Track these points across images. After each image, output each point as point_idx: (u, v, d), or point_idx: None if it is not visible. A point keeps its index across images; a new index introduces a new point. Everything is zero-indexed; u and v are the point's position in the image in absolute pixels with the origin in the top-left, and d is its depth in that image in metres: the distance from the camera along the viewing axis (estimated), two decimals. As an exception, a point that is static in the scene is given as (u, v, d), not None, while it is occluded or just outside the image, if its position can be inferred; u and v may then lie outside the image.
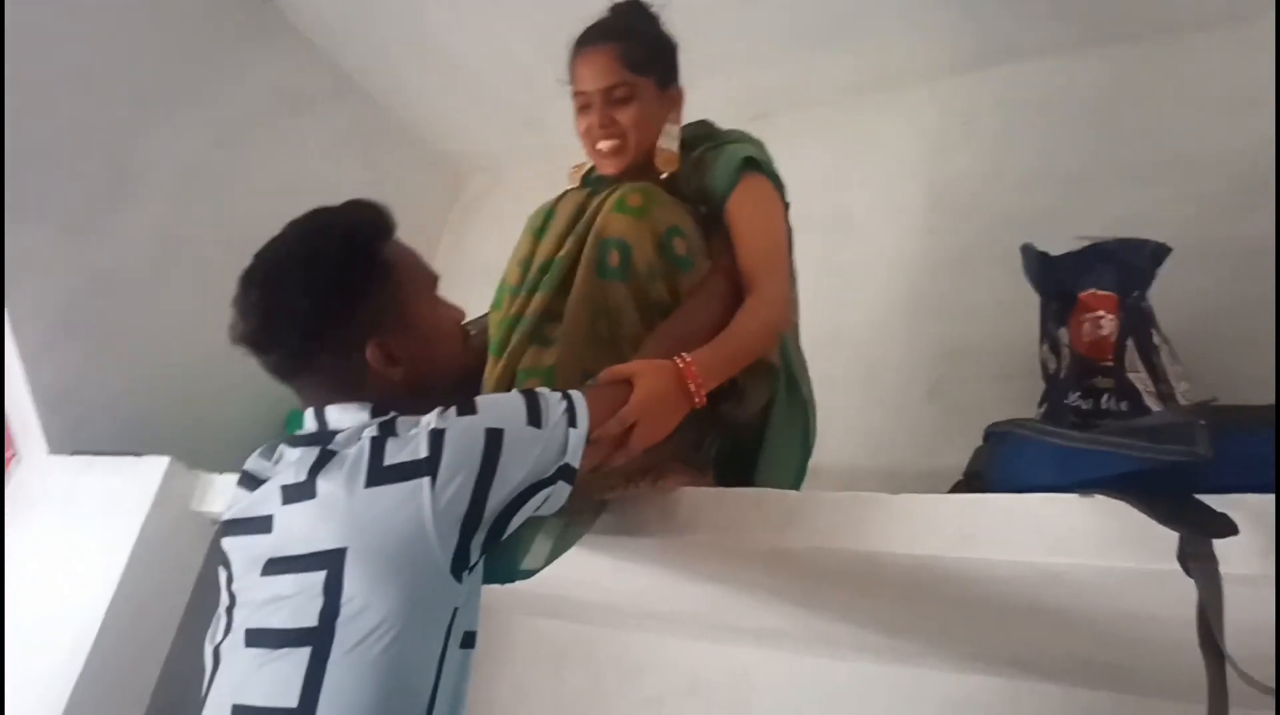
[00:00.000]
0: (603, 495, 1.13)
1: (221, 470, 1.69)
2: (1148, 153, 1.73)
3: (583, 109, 1.31)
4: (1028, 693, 1.48)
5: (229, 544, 0.95)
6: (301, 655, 0.81)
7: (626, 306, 1.17)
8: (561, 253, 1.21)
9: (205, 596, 1.62)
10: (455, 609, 0.87)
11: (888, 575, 1.07)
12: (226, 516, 0.97)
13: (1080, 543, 0.85)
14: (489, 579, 1.03)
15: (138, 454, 1.71)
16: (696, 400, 1.06)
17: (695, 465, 1.25)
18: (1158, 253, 1.37)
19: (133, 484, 1.65)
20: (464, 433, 0.87)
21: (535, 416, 0.91)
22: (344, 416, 0.95)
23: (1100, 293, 1.35)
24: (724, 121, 1.44)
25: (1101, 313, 1.34)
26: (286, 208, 1.03)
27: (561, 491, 0.93)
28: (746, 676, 1.74)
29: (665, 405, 1.04)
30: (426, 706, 0.83)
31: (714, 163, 1.32)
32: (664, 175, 1.32)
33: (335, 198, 1.04)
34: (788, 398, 1.29)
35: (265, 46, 2.26)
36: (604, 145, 1.31)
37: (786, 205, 1.37)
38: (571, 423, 0.93)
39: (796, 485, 1.31)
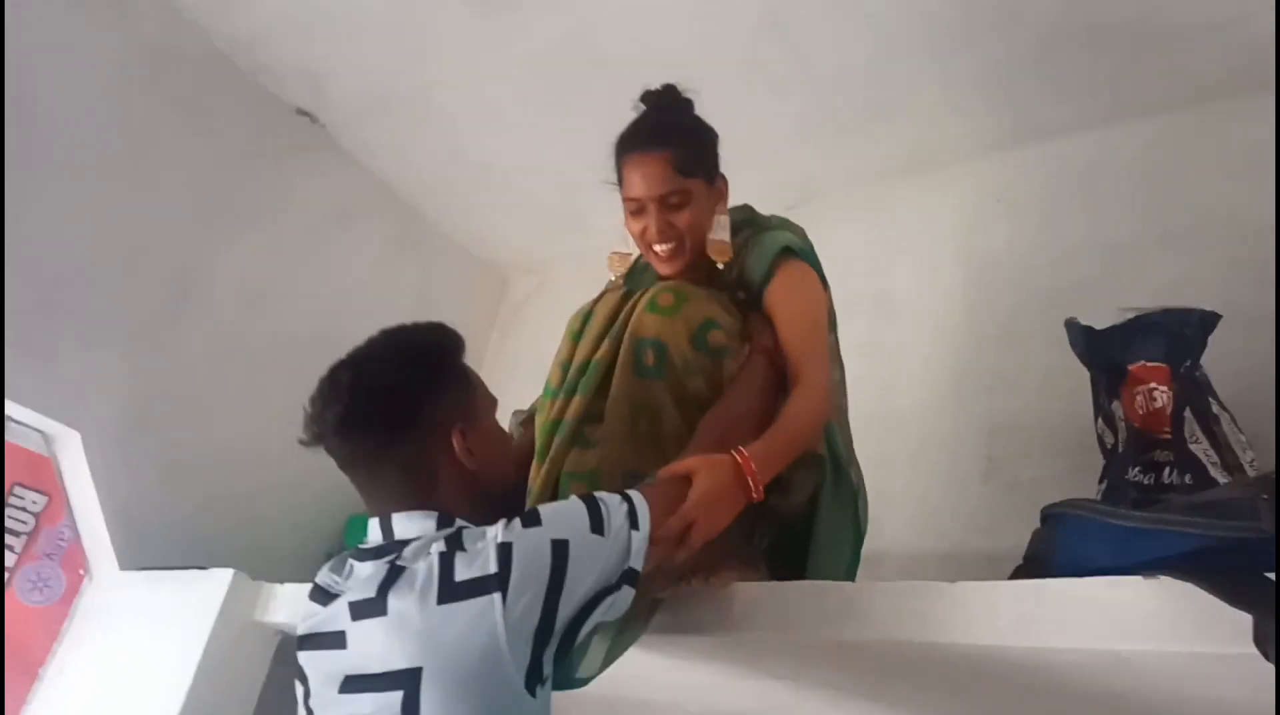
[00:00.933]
0: (656, 595, 1.12)
1: (283, 580, 1.72)
2: (1187, 221, 1.73)
3: (636, 213, 1.33)
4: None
5: (304, 658, 0.97)
6: None
7: (665, 403, 1.18)
8: (598, 355, 1.23)
9: (271, 705, 1.63)
10: None
11: (950, 666, 1.04)
12: (301, 631, 0.99)
13: (1146, 626, 0.83)
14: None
15: (203, 567, 1.75)
16: (755, 494, 1.06)
17: (747, 560, 1.24)
18: (1206, 320, 1.35)
19: (199, 596, 1.68)
20: (531, 546, 0.88)
21: (598, 524, 0.93)
22: (410, 526, 0.97)
23: (1150, 364, 1.34)
24: (763, 208, 1.47)
25: (1154, 384, 1.33)
26: (340, 318, 1.08)
27: (626, 595, 0.93)
28: (815, 775, 1.68)
29: (724, 500, 1.04)
30: None
31: (754, 249, 1.34)
32: (721, 266, 1.34)
33: (386, 306, 1.11)
34: (835, 484, 1.28)
35: (314, 165, 2.38)
36: (661, 249, 1.33)
37: (827, 288, 1.38)
38: (634, 525, 0.95)
39: (851, 574, 1.29)
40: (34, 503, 1.90)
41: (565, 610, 0.87)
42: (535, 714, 0.87)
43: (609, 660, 1.05)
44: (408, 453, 0.99)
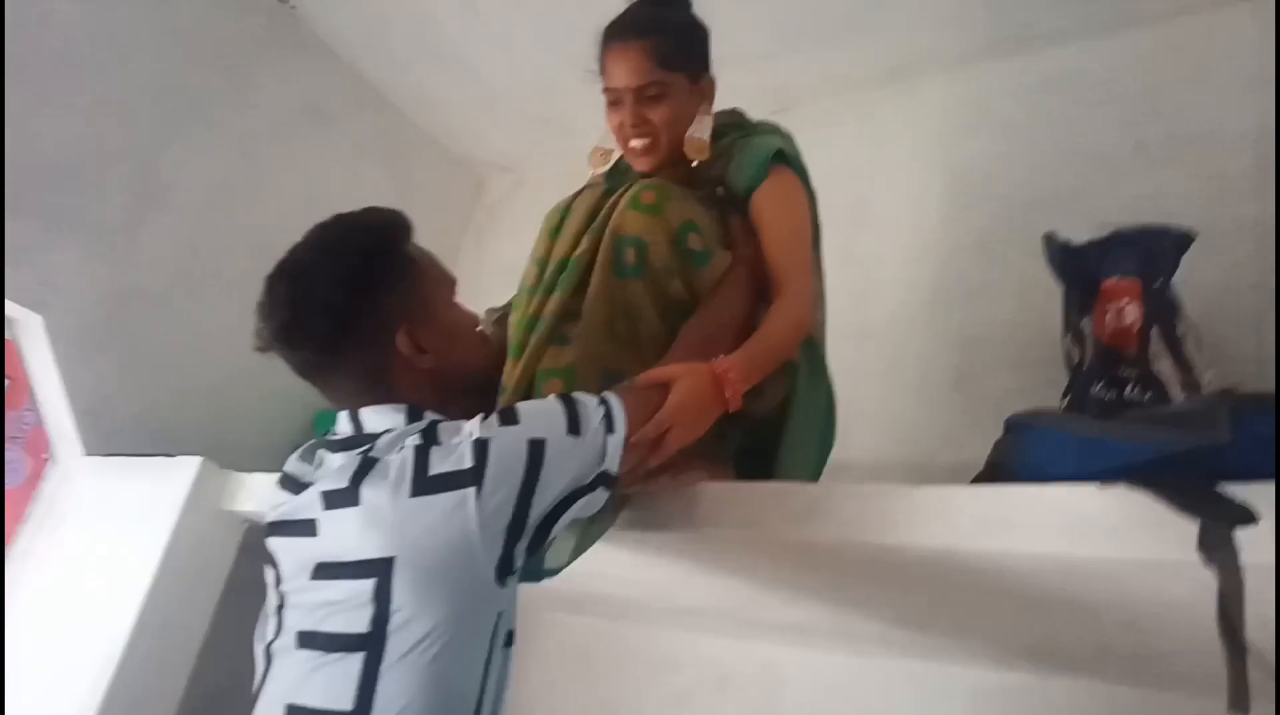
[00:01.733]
0: (623, 490, 1.13)
1: (251, 470, 1.72)
2: (1167, 133, 1.72)
3: (613, 104, 1.31)
4: (1054, 687, 1.46)
5: (275, 544, 0.97)
6: (355, 661, 0.83)
7: (644, 304, 1.17)
8: (578, 252, 1.22)
9: (237, 592, 1.65)
10: (499, 612, 0.89)
11: (909, 567, 1.07)
12: (270, 517, 0.99)
13: (1100, 533, 0.85)
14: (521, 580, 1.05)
15: (170, 455, 1.75)
16: (732, 405, 1.07)
17: (715, 460, 1.26)
18: (1182, 240, 1.35)
19: (166, 484, 1.69)
20: (508, 443, 0.88)
21: (575, 425, 0.93)
22: (380, 419, 0.97)
23: (1124, 280, 1.34)
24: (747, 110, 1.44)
25: (1125, 301, 1.33)
26: (311, 218, 1.05)
27: (599, 497, 0.95)
28: (775, 671, 1.74)
29: (701, 408, 1.05)
30: (474, 707, 0.86)
31: (741, 152, 1.32)
32: (695, 164, 1.33)
33: (359, 206, 1.06)
34: (809, 391, 1.29)
35: (287, 56, 2.29)
36: (636, 144, 1.31)
37: (813, 199, 1.36)
38: (609, 429, 0.95)
39: (816, 478, 1.31)
40: (-5, 386, 1.87)
41: (538, 508, 0.88)
42: (503, 603, 0.89)
43: (577, 553, 1.07)
44: (357, 358, 0.98)
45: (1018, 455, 1.04)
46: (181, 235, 2.06)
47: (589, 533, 1.08)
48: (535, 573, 1.05)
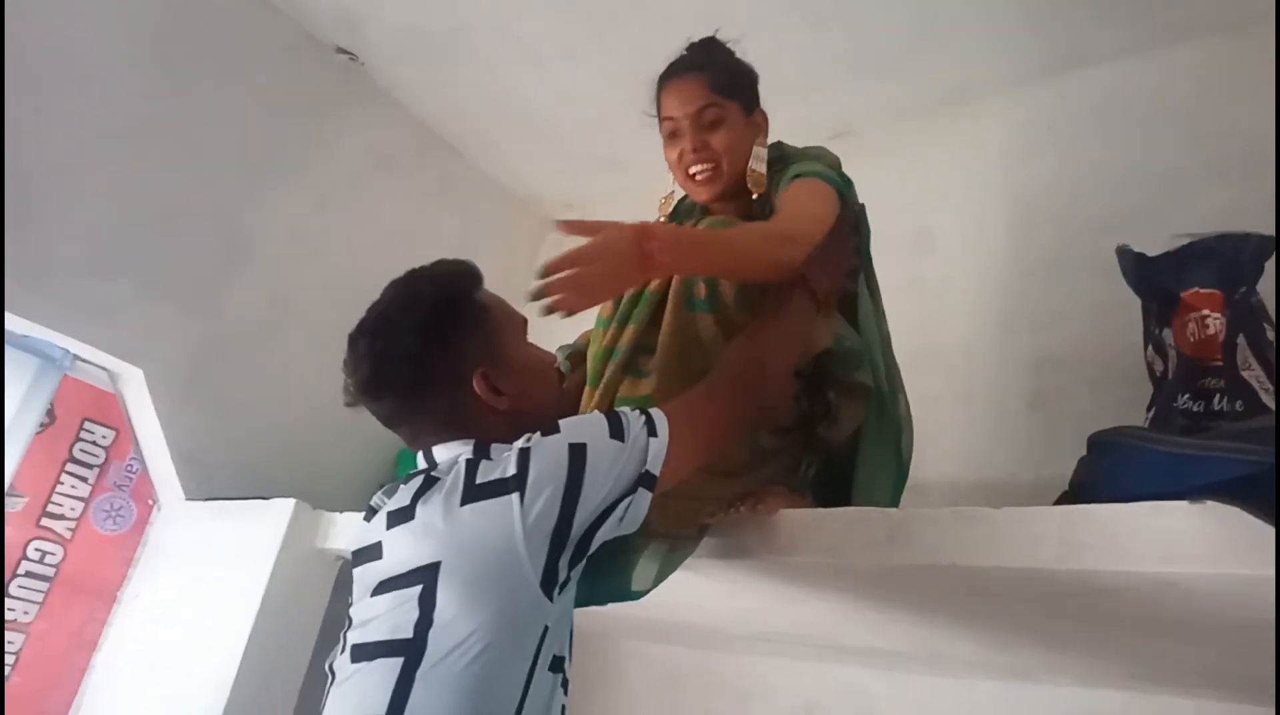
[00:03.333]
0: (704, 521, 1.15)
1: (342, 509, 1.79)
2: (1239, 148, 1.68)
3: (672, 136, 1.33)
4: (1153, 706, 1.43)
5: (356, 572, 1.02)
6: (393, 665, 0.85)
7: (715, 337, 1.18)
8: (652, 286, 1.24)
9: (335, 627, 1.71)
10: (545, 628, 0.89)
11: (996, 590, 1.06)
12: (353, 548, 1.03)
13: (1192, 550, 0.84)
14: (599, 600, 1.07)
15: (265, 498, 1.83)
16: (650, 261, 0.97)
17: (794, 488, 1.27)
18: (1263, 245, 1.32)
19: (263, 525, 1.76)
20: (549, 450, 0.91)
21: (618, 431, 0.95)
22: (448, 452, 1.01)
23: (1203, 291, 1.32)
24: (800, 139, 1.45)
25: (1206, 312, 1.31)
26: (384, 262, 1.10)
27: (642, 500, 0.95)
28: (863, 696, 1.73)
29: (615, 253, 0.96)
30: None
31: (777, 185, 1.33)
32: (755, 197, 1.34)
33: (428, 249, 1.12)
34: (879, 416, 1.29)
35: (354, 110, 2.39)
36: (697, 171, 1.32)
37: (853, 206, 1.34)
38: (651, 433, 0.96)
39: (894, 504, 1.31)
40: (103, 437, 1.98)
41: (582, 513, 0.90)
42: (549, 618, 0.90)
43: (661, 576, 1.08)
44: (436, 404, 1.02)
45: (1103, 474, 1.03)
46: (265, 286, 2.16)
47: (673, 557, 1.10)
48: (620, 595, 1.07)
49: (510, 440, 0.99)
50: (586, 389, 1.26)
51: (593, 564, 1.03)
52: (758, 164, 1.34)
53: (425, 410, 1.03)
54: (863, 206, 1.38)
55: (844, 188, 1.33)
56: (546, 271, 0.91)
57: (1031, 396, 1.78)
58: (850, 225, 1.32)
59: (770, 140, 1.39)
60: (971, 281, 1.96)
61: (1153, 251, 1.38)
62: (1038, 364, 1.79)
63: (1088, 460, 1.08)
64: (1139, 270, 1.40)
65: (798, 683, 1.82)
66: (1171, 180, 1.76)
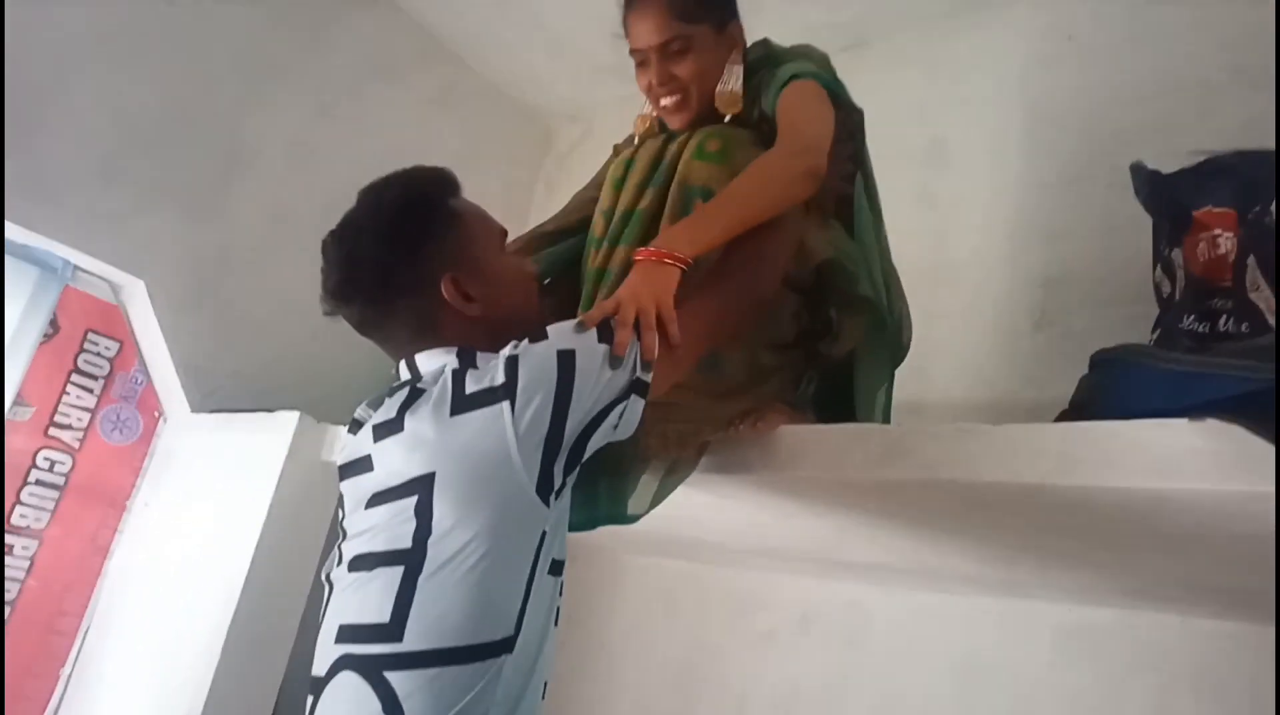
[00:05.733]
0: (705, 438, 1.16)
1: (346, 422, 1.79)
2: (1264, 58, 1.62)
3: (640, 65, 1.31)
4: (1145, 622, 1.46)
5: (343, 486, 1.03)
6: (394, 574, 0.86)
7: (713, 252, 1.14)
8: (642, 204, 1.22)
9: (336, 539, 1.74)
10: (543, 533, 0.90)
11: (994, 506, 1.07)
12: (339, 462, 1.04)
13: (1191, 466, 0.84)
14: (595, 524, 1.08)
15: (270, 410, 1.84)
16: (681, 264, 1.01)
17: (795, 404, 1.27)
18: (1282, 164, 1.29)
19: (268, 437, 1.78)
20: (537, 356, 0.91)
21: (606, 336, 0.94)
22: (433, 361, 1.00)
23: (1217, 210, 1.29)
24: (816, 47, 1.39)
25: (1219, 231, 1.28)
26: (385, 172, 1.08)
27: (635, 406, 0.95)
28: (859, 610, 1.76)
29: (652, 281, 1.00)
30: (514, 626, 0.86)
31: (768, 86, 1.29)
32: (727, 118, 1.30)
33: (430, 159, 1.10)
34: (878, 331, 1.29)
35: (355, 14, 2.32)
36: (667, 102, 1.30)
37: (846, 108, 1.31)
38: (640, 338, 0.96)
39: (885, 415, 1.32)
40: (107, 348, 1.99)
41: (574, 418, 0.89)
42: (547, 523, 0.90)
43: (658, 499, 1.09)
44: (404, 308, 1.01)
45: (1104, 392, 1.03)
46: (267, 195, 2.13)
47: (670, 479, 1.10)
48: (618, 517, 1.08)
49: (491, 349, 0.98)
50: (580, 308, 1.25)
51: (588, 487, 1.05)
52: (731, 81, 1.29)
53: (394, 315, 1.02)
54: (861, 112, 1.34)
55: (838, 88, 1.30)
56: (623, 326, 0.94)
57: (1038, 315, 1.76)
58: (844, 129, 1.28)
59: (757, 39, 1.35)
60: (984, 196, 1.92)
61: (1171, 167, 1.35)
62: (1046, 282, 1.77)
63: (1090, 378, 1.08)
64: (1152, 188, 1.37)
65: (794, 596, 1.86)
66: (1193, 91, 1.70)
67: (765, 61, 1.33)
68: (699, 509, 1.33)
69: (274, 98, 2.15)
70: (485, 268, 1.05)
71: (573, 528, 1.02)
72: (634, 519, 1.09)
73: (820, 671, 1.77)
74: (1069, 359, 1.24)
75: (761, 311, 1.20)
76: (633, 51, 1.30)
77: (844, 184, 1.31)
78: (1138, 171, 1.37)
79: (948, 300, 1.85)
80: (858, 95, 1.36)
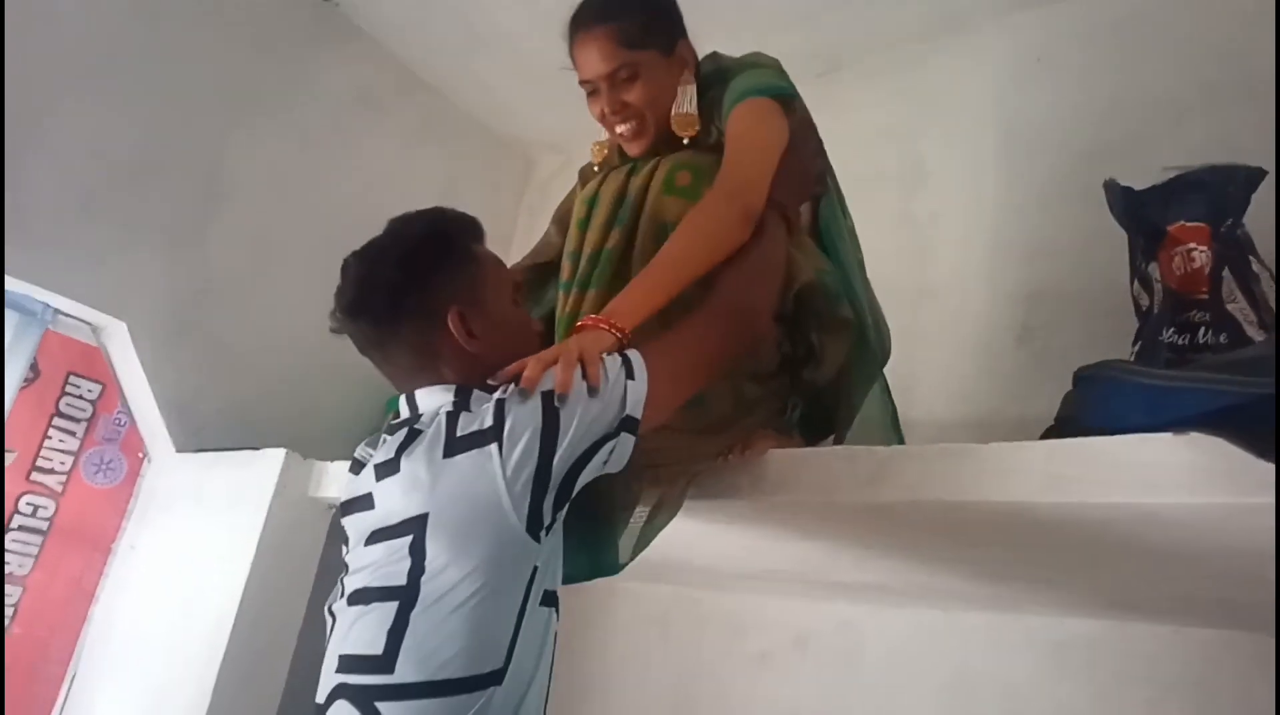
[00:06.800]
0: (694, 468, 1.15)
1: (333, 458, 1.79)
2: (1235, 74, 1.66)
3: (591, 95, 1.29)
4: (1137, 632, 1.46)
5: (346, 522, 1.05)
6: (389, 609, 0.89)
7: (692, 290, 1.10)
8: (609, 244, 1.20)
9: (330, 572, 1.73)
10: (534, 568, 0.92)
11: (982, 524, 1.08)
12: (342, 499, 1.06)
13: (1176, 480, 0.85)
14: (582, 577, 1.08)
15: (255, 448, 1.83)
16: (619, 334, 1.01)
17: (781, 430, 1.27)
18: (1251, 177, 1.31)
19: (255, 475, 1.77)
20: (523, 398, 0.92)
21: (591, 374, 0.95)
22: (431, 400, 1.01)
23: (1190, 224, 1.31)
24: (791, 75, 1.38)
25: (1193, 245, 1.30)
26: (367, 204, 1.10)
27: (626, 443, 0.95)
28: (852, 629, 1.76)
29: (582, 340, 1.00)
30: (504, 659, 0.88)
31: (719, 107, 1.27)
32: (685, 141, 1.28)
33: (411, 190, 1.13)
34: (862, 347, 1.28)
35: (334, 49, 2.34)
36: (622, 129, 1.29)
37: (800, 111, 1.29)
38: (630, 376, 0.97)
39: (893, 428, 1.32)
40: (89, 391, 1.98)
41: (560, 457, 0.91)
42: (538, 559, 0.92)
43: (640, 547, 1.08)
44: (409, 333, 1.03)
45: (1088, 408, 1.04)
46: (248, 231, 2.13)
47: (651, 527, 1.09)
48: (605, 568, 1.08)
49: (487, 389, 0.99)
50: None
51: (579, 539, 1.05)
52: (685, 105, 1.28)
53: (398, 337, 1.04)
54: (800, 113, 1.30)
55: (789, 92, 1.27)
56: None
57: (1020, 331, 1.78)
58: (805, 130, 1.28)
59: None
60: (962, 215, 1.95)
61: (1144, 183, 1.37)
62: (1027, 298, 1.79)
63: (1073, 394, 1.09)
64: (1126, 204, 1.39)
65: (787, 618, 1.85)
66: (1163, 109, 1.74)
67: (716, 77, 1.31)
68: (690, 535, 1.33)
69: (254, 131, 2.15)
70: (492, 310, 1.06)
71: (567, 581, 1.02)
72: (620, 569, 1.09)
73: (816, 692, 1.77)
74: (1052, 374, 1.25)
75: (757, 343, 1.19)
76: (582, 82, 1.29)
77: (818, 186, 1.30)
78: (1111, 188, 1.39)
79: (929, 319, 1.87)
80: (834, 118, 1.37)
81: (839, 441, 1.29)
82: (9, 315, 1.85)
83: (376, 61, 2.45)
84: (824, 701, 1.75)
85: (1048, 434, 1.08)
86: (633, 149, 1.31)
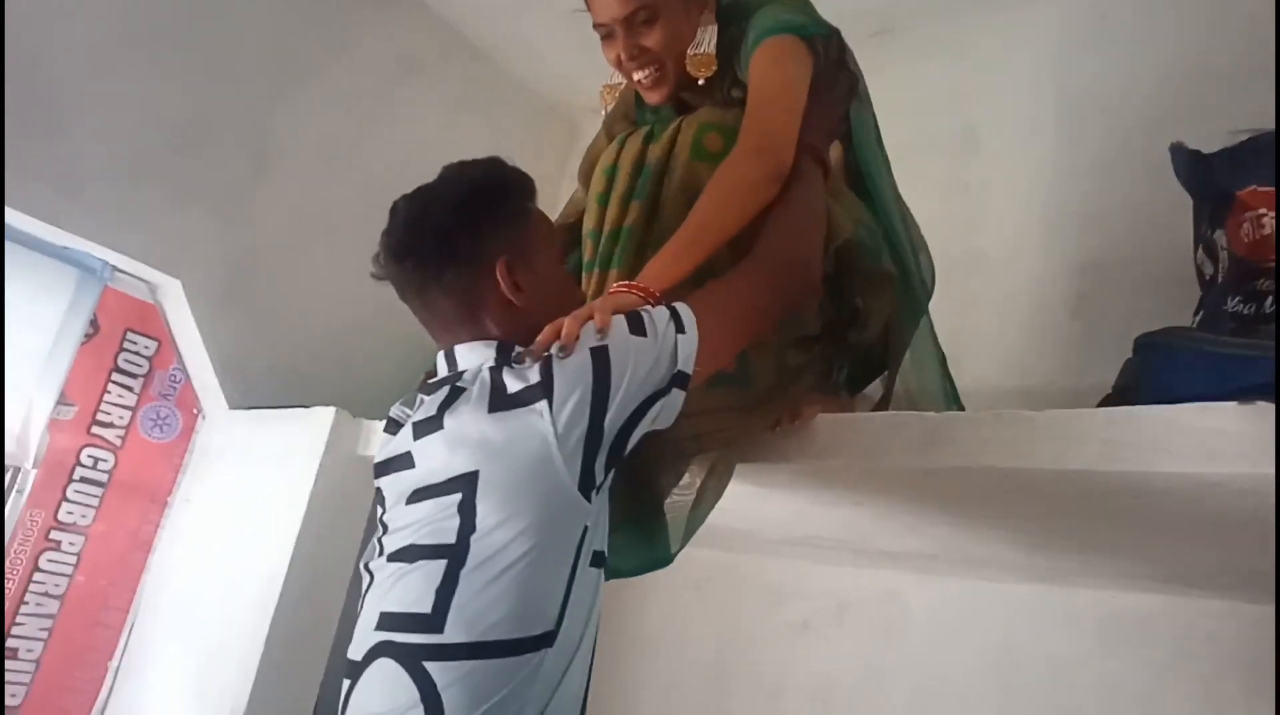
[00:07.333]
0: (739, 449, 1.14)
1: (380, 417, 1.81)
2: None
3: (606, 39, 1.22)
4: (1191, 608, 1.44)
5: (382, 482, 1.03)
6: (437, 566, 0.87)
7: (726, 257, 1.08)
8: (629, 221, 1.16)
9: (374, 532, 1.76)
10: (585, 527, 0.90)
11: (1033, 493, 1.06)
12: (377, 459, 1.04)
13: (1239, 450, 0.83)
14: (633, 572, 1.08)
15: (306, 406, 1.86)
16: (651, 299, 1.00)
17: (828, 394, 1.26)
18: (1327, 141, 1.26)
19: (305, 433, 1.80)
20: (569, 355, 0.90)
21: (638, 327, 0.93)
22: (472, 356, 0.99)
23: (1261, 189, 1.26)
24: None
25: (1263, 211, 1.26)
26: (412, 168, 1.09)
27: (676, 399, 0.94)
28: (896, 599, 1.76)
29: (611, 298, 1.00)
30: (555, 621, 0.86)
31: (740, 48, 1.21)
32: (701, 82, 1.23)
33: (456, 155, 1.10)
34: (906, 295, 1.25)
35: (380, 11, 2.34)
36: (640, 76, 1.22)
37: (828, 45, 1.22)
38: (680, 329, 0.94)
39: (947, 383, 1.30)
40: (146, 347, 2.02)
41: (612, 414, 0.89)
42: (589, 518, 0.91)
43: (688, 536, 1.08)
44: (454, 282, 1.00)
45: (1148, 375, 1.02)
46: (296, 193, 2.15)
47: (696, 515, 1.08)
48: (656, 561, 1.07)
49: (524, 341, 0.97)
50: None
51: (623, 537, 1.03)
52: (704, 43, 1.21)
53: (441, 282, 1.00)
54: (839, 39, 1.24)
55: (814, 27, 1.21)
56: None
57: (1074, 301, 1.74)
58: (834, 70, 1.22)
59: None
60: (1017, 183, 1.91)
61: (1209, 149, 1.33)
62: (1082, 268, 1.76)
63: (1133, 362, 1.07)
64: (1193, 168, 1.35)
65: (829, 585, 1.85)
66: (1226, 72, 1.68)
67: (736, 11, 1.24)
68: (733, 499, 1.32)
69: (302, 97, 2.17)
70: (540, 266, 1.04)
71: (619, 576, 1.02)
72: (670, 560, 1.08)
73: (856, 662, 1.77)
74: (1107, 345, 1.22)
75: (807, 294, 1.13)
76: (596, 25, 1.21)
77: (841, 125, 1.24)
78: (1178, 152, 1.35)
79: (982, 288, 1.84)
80: (885, 83, 1.33)
81: (891, 380, 1.27)
82: (70, 271, 1.89)
83: (421, 26, 2.45)
84: (864, 671, 1.75)
85: (1106, 402, 1.06)
86: (651, 97, 1.25)
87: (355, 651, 0.92)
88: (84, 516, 1.91)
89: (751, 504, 1.40)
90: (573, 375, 0.89)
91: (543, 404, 0.88)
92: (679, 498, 1.09)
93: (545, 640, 0.86)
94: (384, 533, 0.99)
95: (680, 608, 2.06)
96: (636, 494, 1.04)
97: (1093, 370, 1.61)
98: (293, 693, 1.67)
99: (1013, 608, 1.61)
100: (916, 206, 1.37)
